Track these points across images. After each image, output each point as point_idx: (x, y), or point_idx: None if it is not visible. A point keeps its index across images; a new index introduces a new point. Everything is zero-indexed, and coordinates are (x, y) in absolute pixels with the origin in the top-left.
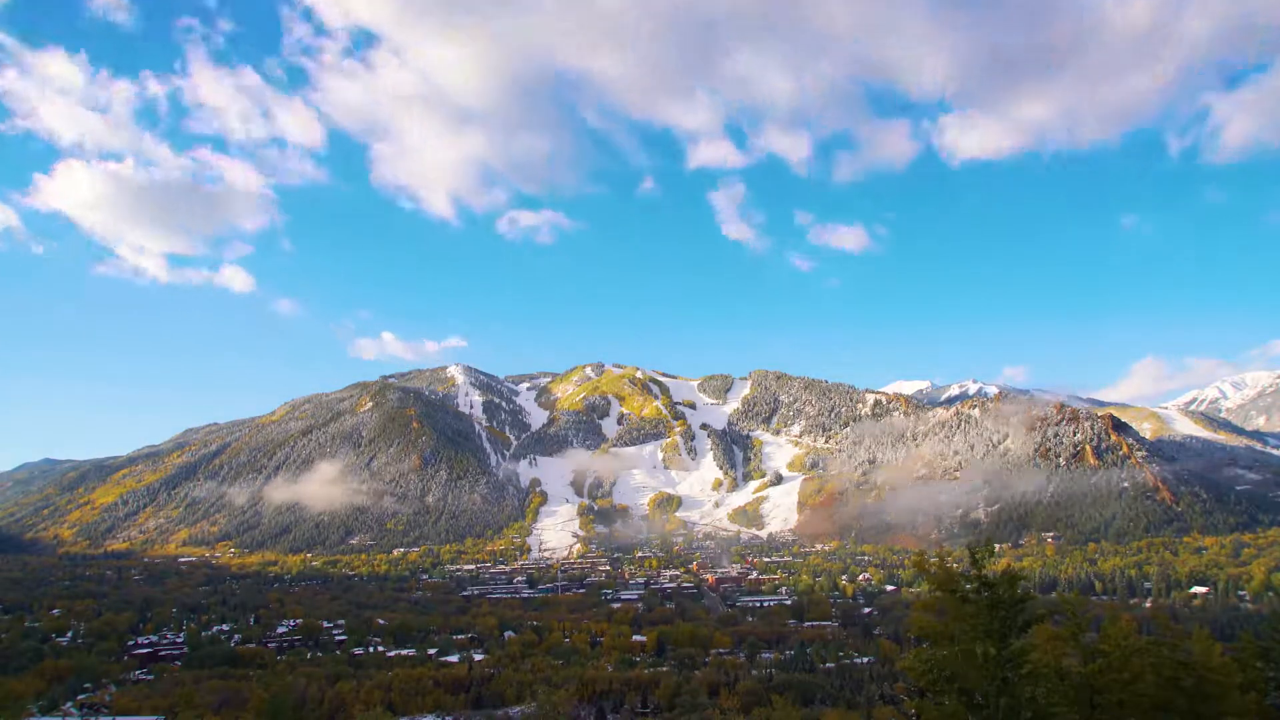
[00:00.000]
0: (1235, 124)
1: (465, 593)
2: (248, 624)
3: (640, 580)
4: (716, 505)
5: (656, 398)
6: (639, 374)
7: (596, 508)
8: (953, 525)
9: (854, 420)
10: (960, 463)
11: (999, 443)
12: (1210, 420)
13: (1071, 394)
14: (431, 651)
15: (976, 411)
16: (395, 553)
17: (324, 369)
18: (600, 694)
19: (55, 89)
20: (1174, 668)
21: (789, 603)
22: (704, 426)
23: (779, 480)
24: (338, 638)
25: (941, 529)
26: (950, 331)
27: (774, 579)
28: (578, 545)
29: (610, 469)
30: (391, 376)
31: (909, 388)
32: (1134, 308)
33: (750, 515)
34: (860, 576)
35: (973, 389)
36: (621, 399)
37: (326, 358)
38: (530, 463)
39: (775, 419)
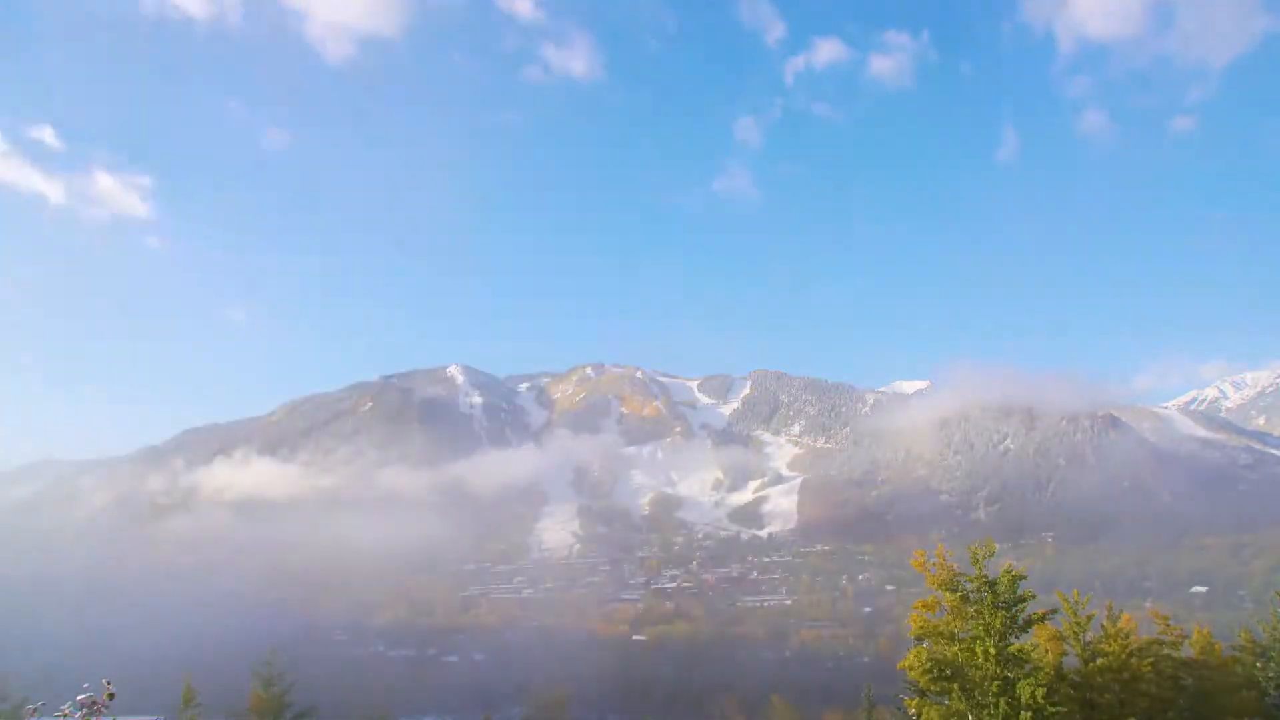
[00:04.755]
0: None
1: (465, 593)
2: (249, 624)
3: (640, 580)
4: (716, 505)
5: (656, 398)
6: (639, 374)
7: (596, 508)
8: (953, 525)
9: (854, 420)
10: (960, 462)
11: (999, 443)
12: (1210, 420)
13: (1072, 393)
14: (431, 651)
15: (976, 411)
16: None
17: (323, 368)
18: (601, 694)
19: None
20: (1174, 667)
21: (789, 603)
22: (704, 426)
23: (779, 480)
24: (338, 638)
25: (941, 529)
26: (952, 328)
27: (774, 579)
28: (578, 545)
29: (610, 469)
30: (391, 376)
31: (909, 387)
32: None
33: (750, 515)
34: (860, 576)
35: (973, 389)
36: (621, 399)
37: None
38: (530, 463)
39: (775, 419)
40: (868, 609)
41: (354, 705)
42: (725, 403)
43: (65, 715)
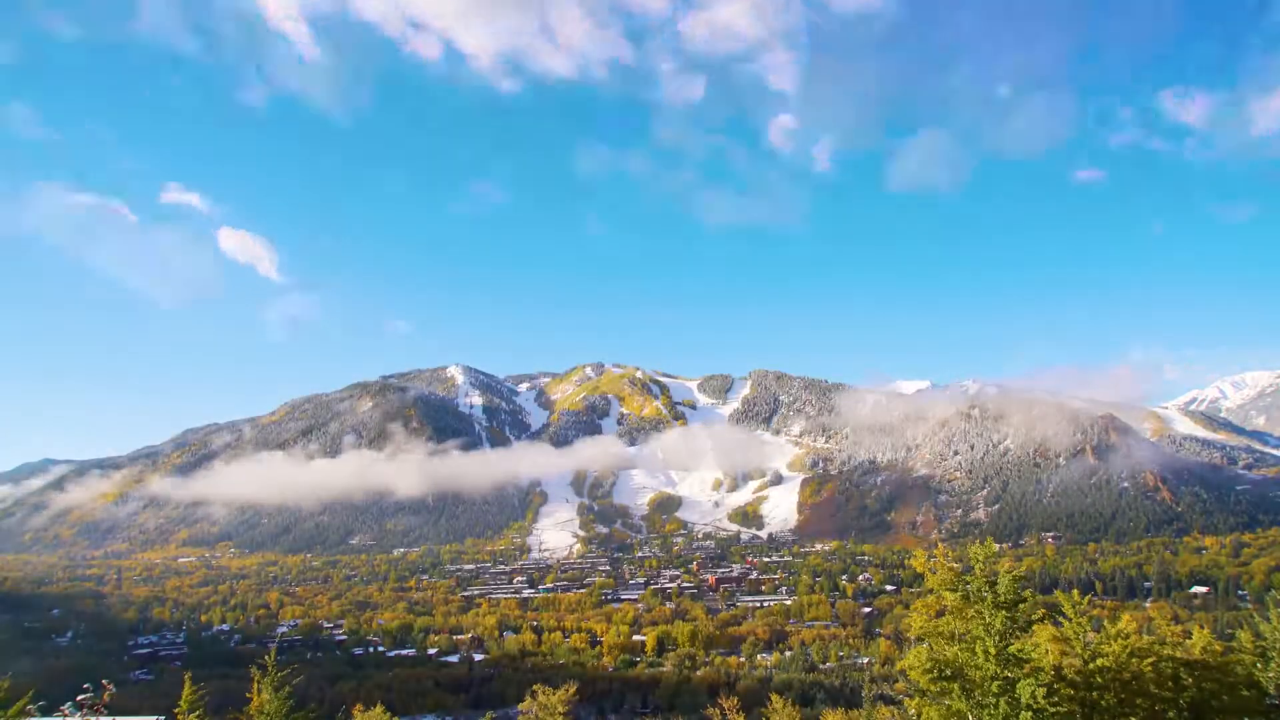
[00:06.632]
0: None
1: (465, 593)
2: (248, 624)
3: (640, 580)
4: (716, 505)
5: (656, 398)
6: (639, 374)
7: (596, 508)
8: (953, 525)
9: (854, 420)
10: (960, 463)
11: (999, 443)
12: (1210, 420)
13: (1072, 393)
14: (431, 651)
15: (976, 411)
16: (395, 553)
17: (323, 368)
18: (600, 694)
19: None
20: (1174, 667)
21: (789, 603)
22: (704, 427)
23: (779, 480)
24: (338, 638)
25: (941, 529)
26: (951, 329)
27: (774, 579)
28: (578, 545)
29: (610, 469)
30: (391, 377)
31: (909, 387)
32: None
33: (750, 515)
34: (860, 576)
35: (973, 389)
36: (621, 399)
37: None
38: (530, 463)
39: (775, 419)
40: (867, 609)
41: (354, 705)
42: (725, 403)
43: (65, 715)
